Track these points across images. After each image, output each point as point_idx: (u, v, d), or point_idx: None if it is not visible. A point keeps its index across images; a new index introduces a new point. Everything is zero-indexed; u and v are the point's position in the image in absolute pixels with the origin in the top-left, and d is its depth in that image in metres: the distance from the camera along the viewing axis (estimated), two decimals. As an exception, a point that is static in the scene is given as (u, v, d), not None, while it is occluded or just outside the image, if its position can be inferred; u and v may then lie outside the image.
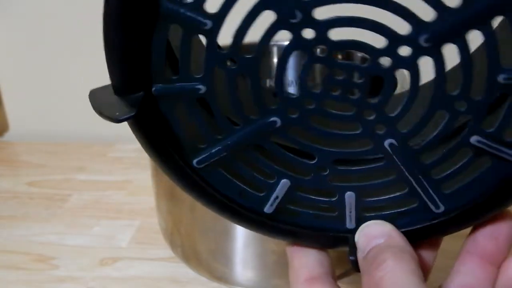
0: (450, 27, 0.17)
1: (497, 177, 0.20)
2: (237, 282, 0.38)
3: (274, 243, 0.36)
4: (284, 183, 0.21)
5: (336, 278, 0.23)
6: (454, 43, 0.17)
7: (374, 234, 0.21)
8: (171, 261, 0.42)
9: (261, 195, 0.22)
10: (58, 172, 0.57)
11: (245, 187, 0.22)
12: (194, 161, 0.21)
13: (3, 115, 0.67)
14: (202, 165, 0.21)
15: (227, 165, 0.21)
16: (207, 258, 0.39)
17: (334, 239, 0.22)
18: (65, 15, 0.61)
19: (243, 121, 0.20)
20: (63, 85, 0.64)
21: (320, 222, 0.22)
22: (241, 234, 0.36)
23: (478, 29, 0.17)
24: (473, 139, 0.19)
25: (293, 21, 0.17)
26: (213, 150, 0.21)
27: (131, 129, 0.20)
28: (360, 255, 0.21)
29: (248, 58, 0.18)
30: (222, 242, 0.37)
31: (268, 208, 0.22)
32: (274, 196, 0.22)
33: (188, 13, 0.18)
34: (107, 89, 0.20)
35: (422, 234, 0.22)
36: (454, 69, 0.20)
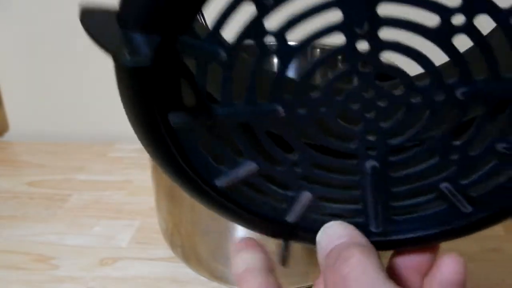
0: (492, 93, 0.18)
1: (443, 220, 0.22)
2: (237, 282, 0.38)
3: (274, 244, 0.36)
4: (250, 165, 0.21)
5: (272, 270, 0.24)
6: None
7: (337, 234, 0.21)
8: (171, 261, 0.42)
9: (221, 167, 0.22)
10: (58, 172, 0.57)
11: (208, 155, 0.21)
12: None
13: (3, 115, 0.67)
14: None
15: (201, 133, 0.21)
16: (207, 258, 0.39)
17: (274, 229, 0.23)
18: (65, 15, 0.61)
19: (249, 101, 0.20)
20: (63, 85, 0.64)
21: (265, 209, 0.23)
22: (241, 234, 0.36)
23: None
24: (443, 185, 0.21)
25: (357, 30, 0.17)
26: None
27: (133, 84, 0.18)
28: (322, 253, 0.21)
29: (290, 47, 0.18)
30: (222, 242, 0.37)
31: (220, 182, 0.22)
32: (234, 174, 0.21)
33: None
34: (108, 15, 0.17)
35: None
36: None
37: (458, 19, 0.17)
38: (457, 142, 0.20)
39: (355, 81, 0.19)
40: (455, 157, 0.20)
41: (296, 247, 0.25)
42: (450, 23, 0.17)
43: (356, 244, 0.20)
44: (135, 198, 0.51)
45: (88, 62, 0.62)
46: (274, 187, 0.22)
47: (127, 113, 0.19)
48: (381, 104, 0.19)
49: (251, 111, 0.19)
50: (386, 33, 0.17)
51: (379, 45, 0.17)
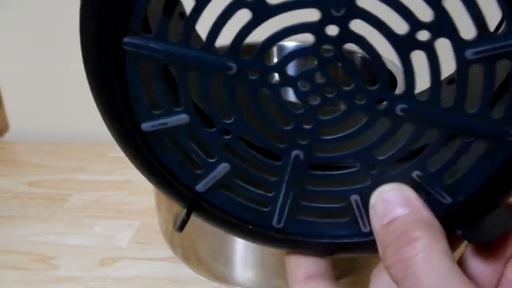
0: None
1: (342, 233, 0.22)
2: (237, 282, 0.38)
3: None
4: (224, 167, 0.21)
5: (333, 277, 0.22)
6: None
7: (397, 201, 0.19)
8: (171, 261, 0.42)
9: (198, 172, 0.22)
10: (58, 172, 0.56)
11: (185, 159, 0.21)
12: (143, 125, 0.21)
13: (3, 115, 0.67)
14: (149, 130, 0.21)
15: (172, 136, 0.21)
16: (207, 258, 0.39)
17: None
18: (65, 15, 0.61)
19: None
20: (63, 85, 0.64)
21: (248, 213, 0.22)
22: (241, 234, 0.36)
23: None
24: (353, 197, 0.21)
25: (333, 11, 0.17)
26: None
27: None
28: (378, 221, 0.20)
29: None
30: (222, 242, 0.37)
31: (200, 187, 0.22)
32: (208, 178, 0.21)
33: None
34: None
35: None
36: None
37: (424, 35, 0.17)
38: (381, 157, 0.20)
39: (315, 63, 0.19)
40: (373, 171, 0.21)
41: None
42: (415, 37, 0.17)
43: (423, 222, 0.18)
44: (135, 198, 0.51)
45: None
46: (196, 148, 0.21)
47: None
48: (328, 95, 0.19)
49: (204, 58, 0.19)
50: (356, 26, 0.18)
51: (347, 35, 0.18)
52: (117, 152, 0.65)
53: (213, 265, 0.39)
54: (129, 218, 0.48)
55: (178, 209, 0.37)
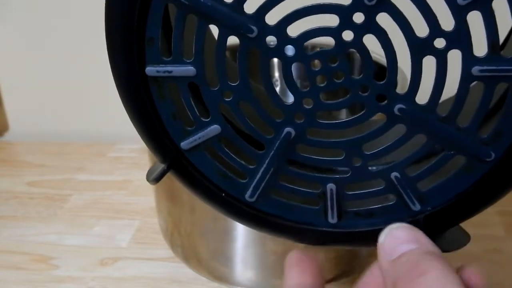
0: None
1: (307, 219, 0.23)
2: (237, 282, 0.38)
3: (274, 244, 0.36)
4: (215, 128, 0.21)
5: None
6: None
7: (405, 238, 0.20)
8: (171, 261, 0.42)
9: (188, 128, 0.22)
10: (58, 172, 0.56)
11: (178, 113, 0.22)
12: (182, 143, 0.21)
13: (3, 115, 0.67)
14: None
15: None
16: (207, 258, 0.39)
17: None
18: (65, 15, 0.61)
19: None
20: (63, 85, 0.64)
21: (225, 182, 0.23)
22: (241, 234, 0.36)
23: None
24: (329, 185, 0.22)
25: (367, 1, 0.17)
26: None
27: None
28: (386, 257, 0.20)
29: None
30: (222, 242, 0.37)
31: (185, 144, 0.22)
32: (196, 136, 0.22)
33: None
34: None
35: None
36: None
37: (440, 43, 0.18)
38: (368, 152, 0.21)
39: (332, 46, 0.19)
40: (356, 164, 0.21)
41: (295, 247, 0.25)
42: (432, 43, 0.18)
43: (434, 255, 0.19)
44: (135, 198, 0.51)
45: (89, 62, 0.62)
46: (193, 103, 0.21)
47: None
48: (336, 80, 0.19)
49: (230, 15, 0.19)
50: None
51: (371, 25, 0.18)
52: (117, 152, 0.65)
53: (213, 265, 0.39)
54: (129, 218, 0.48)
55: (176, 210, 0.37)
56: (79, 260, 0.42)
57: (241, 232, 0.36)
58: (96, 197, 0.52)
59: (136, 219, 0.48)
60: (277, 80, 0.44)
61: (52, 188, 0.53)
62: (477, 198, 0.21)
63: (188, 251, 0.40)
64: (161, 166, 0.23)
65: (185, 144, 0.22)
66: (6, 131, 0.68)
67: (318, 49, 0.19)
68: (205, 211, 0.36)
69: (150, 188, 0.41)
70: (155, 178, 0.23)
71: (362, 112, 0.20)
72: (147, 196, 0.49)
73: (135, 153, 0.59)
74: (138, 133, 0.22)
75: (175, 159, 0.22)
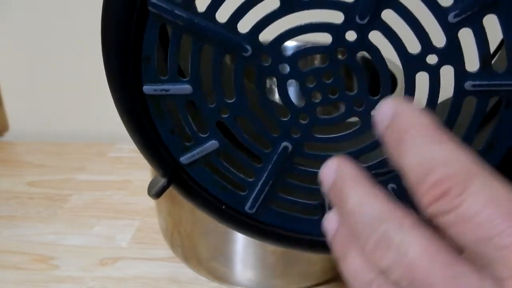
0: None
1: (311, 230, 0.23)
2: (237, 282, 0.38)
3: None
4: (213, 144, 0.22)
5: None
6: None
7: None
8: (171, 261, 0.42)
9: (187, 144, 0.22)
10: (58, 172, 0.56)
11: (177, 129, 0.22)
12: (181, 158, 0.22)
13: (3, 115, 0.67)
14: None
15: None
16: (207, 258, 0.39)
17: (227, 215, 0.23)
18: (65, 15, 0.61)
19: None
20: (63, 85, 0.64)
21: (224, 194, 0.23)
22: (241, 234, 0.36)
23: None
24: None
25: (358, 20, 0.18)
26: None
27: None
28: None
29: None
30: (222, 242, 0.37)
31: (185, 159, 0.22)
32: (195, 152, 0.22)
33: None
34: None
35: None
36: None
37: (432, 59, 0.18)
38: (365, 164, 0.21)
39: (327, 62, 0.19)
40: None
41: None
42: (424, 59, 0.18)
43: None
44: (135, 198, 0.51)
45: (88, 62, 0.62)
46: (191, 120, 0.21)
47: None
48: (331, 95, 0.20)
49: (224, 35, 0.19)
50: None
51: (364, 43, 0.18)
52: (117, 152, 0.65)
53: (213, 265, 0.39)
54: (129, 218, 0.48)
55: (176, 210, 0.37)
56: (79, 260, 0.42)
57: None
58: (96, 197, 0.52)
59: (136, 219, 0.48)
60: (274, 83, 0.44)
61: (52, 188, 0.53)
62: None
63: (188, 251, 0.40)
64: (161, 181, 0.23)
65: (184, 159, 0.22)
66: (6, 131, 0.68)
67: (315, 63, 0.19)
68: (205, 211, 0.36)
69: (150, 188, 0.41)
70: (156, 193, 0.23)
71: (358, 126, 0.20)
72: (147, 196, 0.49)
73: (135, 153, 0.59)
74: (138, 148, 0.23)
75: (174, 173, 0.23)
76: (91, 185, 0.54)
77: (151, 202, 0.45)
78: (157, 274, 0.41)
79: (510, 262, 0.14)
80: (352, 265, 0.18)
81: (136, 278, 0.40)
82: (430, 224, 0.16)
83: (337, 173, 0.19)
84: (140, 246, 0.44)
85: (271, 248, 0.36)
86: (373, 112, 0.19)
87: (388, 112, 0.18)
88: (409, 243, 0.16)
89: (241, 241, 0.36)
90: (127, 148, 0.61)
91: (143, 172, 0.53)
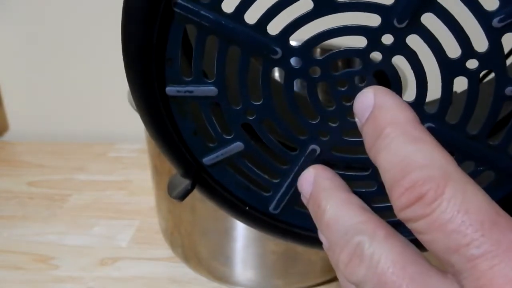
0: None
1: None
2: (237, 282, 0.38)
3: (274, 244, 0.36)
4: (238, 145, 0.21)
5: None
6: None
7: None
8: (171, 261, 0.42)
9: (210, 145, 0.22)
10: (58, 172, 0.57)
11: (200, 130, 0.21)
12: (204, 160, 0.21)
13: (3, 115, 0.67)
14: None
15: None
16: (207, 258, 0.39)
17: (250, 216, 0.23)
18: (65, 15, 0.61)
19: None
20: (64, 85, 0.64)
21: (248, 195, 0.23)
22: (241, 234, 0.36)
23: None
24: None
25: (396, 23, 0.17)
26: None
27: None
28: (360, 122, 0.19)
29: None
30: (222, 242, 0.37)
31: (208, 160, 0.22)
32: (218, 153, 0.21)
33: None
34: None
35: None
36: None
37: (472, 64, 0.18)
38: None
39: (358, 65, 0.19)
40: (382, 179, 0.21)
41: (295, 248, 0.25)
42: (464, 64, 0.18)
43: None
44: (135, 198, 0.51)
45: (89, 62, 0.62)
46: (215, 122, 0.21)
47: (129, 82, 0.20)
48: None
49: (253, 37, 0.19)
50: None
51: (401, 47, 0.18)
52: (117, 152, 0.65)
53: (213, 265, 0.39)
54: (129, 218, 0.48)
55: (176, 210, 0.37)
56: (79, 260, 0.42)
57: (241, 232, 0.36)
58: (96, 197, 0.52)
59: (136, 219, 0.48)
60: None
61: (52, 188, 0.53)
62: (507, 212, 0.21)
63: (188, 251, 0.40)
64: (184, 183, 0.22)
65: (207, 160, 0.22)
66: (6, 131, 0.68)
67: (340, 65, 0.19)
68: (205, 211, 0.36)
69: (150, 188, 0.41)
70: (180, 196, 0.23)
71: None
72: (147, 196, 0.49)
73: (135, 153, 0.59)
74: (159, 149, 0.22)
75: (197, 175, 0.22)
76: (91, 185, 0.54)
77: (151, 202, 0.45)
78: (157, 274, 0.41)
79: (478, 274, 0.14)
80: (339, 276, 0.18)
81: (136, 278, 0.40)
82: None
83: (313, 185, 0.19)
84: (140, 246, 0.44)
85: (271, 248, 0.36)
86: (353, 101, 0.19)
87: (369, 103, 0.17)
88: (380, 255, 0.16)
89: (241, 241, 0.36)
90: (127, 148, 0.61)
91: (143, 172, 0.53)
